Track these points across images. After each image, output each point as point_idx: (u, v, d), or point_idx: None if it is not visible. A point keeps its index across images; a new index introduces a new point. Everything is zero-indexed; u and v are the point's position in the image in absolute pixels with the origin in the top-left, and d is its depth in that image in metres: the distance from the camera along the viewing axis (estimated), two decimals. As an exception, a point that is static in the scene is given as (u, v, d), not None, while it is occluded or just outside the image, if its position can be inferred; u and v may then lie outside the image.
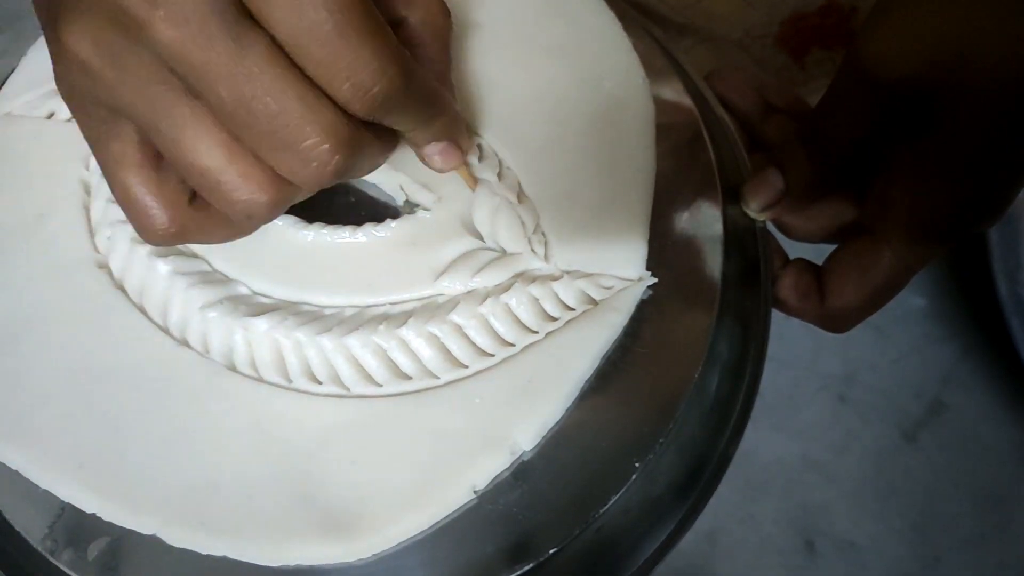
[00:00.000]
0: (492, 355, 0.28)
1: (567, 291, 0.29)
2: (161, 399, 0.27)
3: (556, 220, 0.30)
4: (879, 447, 0.49)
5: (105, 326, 0.28)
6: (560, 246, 0.29)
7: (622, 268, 0.29)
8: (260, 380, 0.27)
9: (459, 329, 0.28)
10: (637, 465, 0.26)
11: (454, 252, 0.29)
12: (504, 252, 0.29)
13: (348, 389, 0.27)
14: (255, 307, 0.28)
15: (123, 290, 0.29)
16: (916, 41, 0.27)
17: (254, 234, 0.26)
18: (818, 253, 0.34)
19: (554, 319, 0.28)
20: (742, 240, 0.32)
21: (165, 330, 0.28)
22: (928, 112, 0.28)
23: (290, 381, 0.27)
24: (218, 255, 0.29)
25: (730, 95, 0.35)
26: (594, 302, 0.28)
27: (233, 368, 0.27)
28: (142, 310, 0.28)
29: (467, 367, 0.27)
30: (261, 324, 0.28)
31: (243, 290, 0.29)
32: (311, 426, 0.27)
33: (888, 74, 0.28)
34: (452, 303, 0.28)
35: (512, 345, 0.28)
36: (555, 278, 0.29)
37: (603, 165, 0.30)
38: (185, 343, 0.28)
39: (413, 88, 0.23)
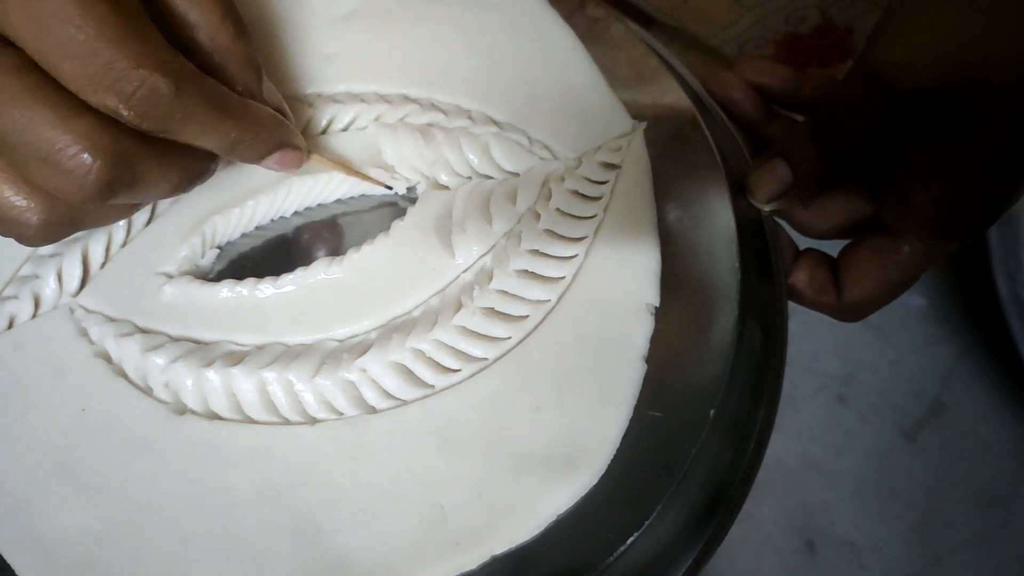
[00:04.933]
0: (562, 278, 0.28)
1: (592, 169, 0.30)
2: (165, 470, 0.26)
3: (540, 125, 0.32)
4: (879, 447, 0.49)
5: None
6: (559, 142, 0.31)
7: (615, 128, 0.31)
8: (253, 422, 0.27)
9: (524, 272, 0.28)
10: (667, 489, 0.26)
11: (477, 207, 0.30)
12: (518, 175, 0.31)
13: (373, 409, 0.27)
14: (241, 355, 0.28)
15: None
16: (932, 48, 0.27)
17: (230, 299, 0.28)
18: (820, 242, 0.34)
19: (599, 198, 0.30)
20: (752, 234, 0.32)
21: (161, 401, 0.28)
22: (944, 113, 0.28)
23: (287, 420, 0.27)
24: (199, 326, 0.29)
25: (731, 96, 0.35)
26: (616, 166, 0.31)
27: (251, 420, 0.27)
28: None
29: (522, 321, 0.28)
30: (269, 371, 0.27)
31: (232, 348, 0.28)
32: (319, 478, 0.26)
33: (903, 80, 0.28)
34: (501, 256, 0.29)
35: (584, 239, 0.29)
36: (577, 166, 0.31)
37: (544, 66, 0.33)
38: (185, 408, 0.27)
39: (193, 98, 0.23)
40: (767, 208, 0.33)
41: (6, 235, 0.25)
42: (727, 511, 0.28)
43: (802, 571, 0.46)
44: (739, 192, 0.32)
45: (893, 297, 0.33)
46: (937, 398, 0.50)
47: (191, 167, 0.26)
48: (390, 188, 0.31)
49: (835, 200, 0.33)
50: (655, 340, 0.28)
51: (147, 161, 0.24)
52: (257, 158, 0.27)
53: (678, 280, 0.29)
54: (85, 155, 0.22)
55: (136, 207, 0.28)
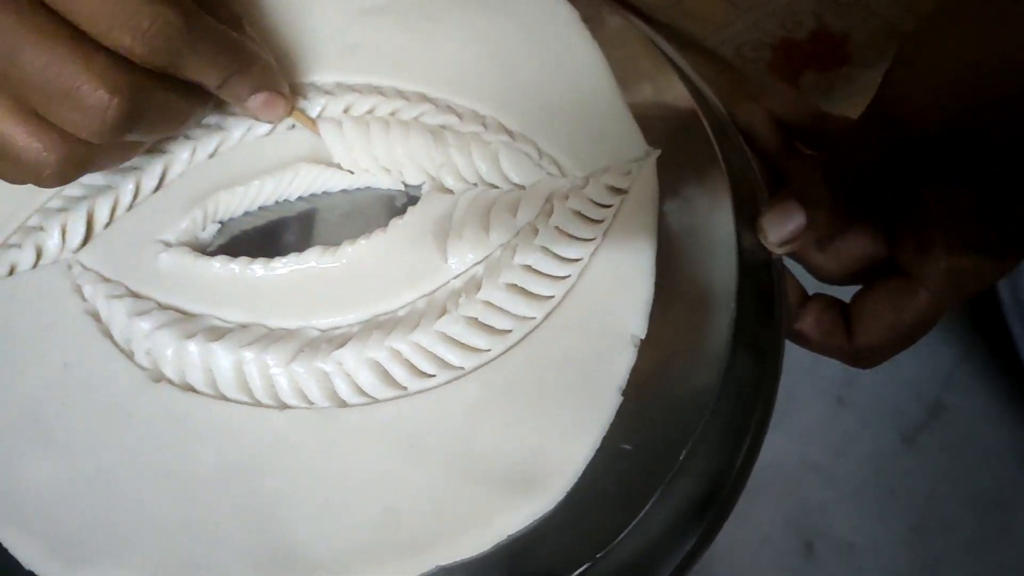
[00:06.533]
0: (551, 297, 0.28)
1: (598, 191, 0.30)
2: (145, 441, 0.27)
3: (552, 138, 0.31)
4: (878, 449, 0.49)
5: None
6: (568, 158, 0.31)
7: (627, 151, 0.31)
8: (225, 399, 0.27)
9: (513, 287, 0.28)
10: (653, 493, 0.26)
11: (477, 215, 0.30)
12: (523, 187, 0.30)
13: (344, 403, 0.27)
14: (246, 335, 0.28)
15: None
16: (946, 88, 0.27)
17: (221, 274, 0.28)
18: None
19: (600, 221, 0.30)
20: (756, 274, 0.31)
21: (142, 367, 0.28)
22: (958, 153, 0.27)
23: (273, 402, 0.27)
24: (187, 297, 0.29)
25: (754, 129, 0.35)
26: (623, 191, 0.30)
27: (223, 397, 0.27)
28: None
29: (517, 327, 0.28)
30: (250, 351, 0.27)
31: (216, 323, 0.29)
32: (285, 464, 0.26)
33: (918, 120, 0.28)
34: (496, 264, 0.29)
35: (579, 261, 0.29)
36: (583, 185, 0.30)
37: (564, 79, 0.32)
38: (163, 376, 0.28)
39: (199, 31, 0.25)
40: (779, 251, 0.31)
41: (23, 180, 0.25)
42: (694, 548, 0.28)
43: (801, 572, 0.47)
44: (748, 227, 0.31)
45: (907, 343, 0.32)
46: (937, 400, 0.50)
47: (192, 103, 0.27)
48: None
49: (850, 242, 0.32)
50: (636, 371, 0.27)
51: (158, 96, 0.25)
52: (247, 93, 0.28)
53: (669, 312, 0.28)
54: (101, 90, 0.23)
55: (140, 146, 0.29)
